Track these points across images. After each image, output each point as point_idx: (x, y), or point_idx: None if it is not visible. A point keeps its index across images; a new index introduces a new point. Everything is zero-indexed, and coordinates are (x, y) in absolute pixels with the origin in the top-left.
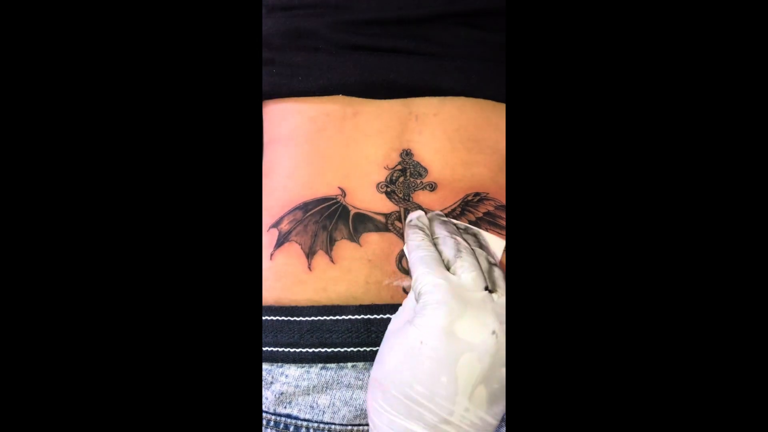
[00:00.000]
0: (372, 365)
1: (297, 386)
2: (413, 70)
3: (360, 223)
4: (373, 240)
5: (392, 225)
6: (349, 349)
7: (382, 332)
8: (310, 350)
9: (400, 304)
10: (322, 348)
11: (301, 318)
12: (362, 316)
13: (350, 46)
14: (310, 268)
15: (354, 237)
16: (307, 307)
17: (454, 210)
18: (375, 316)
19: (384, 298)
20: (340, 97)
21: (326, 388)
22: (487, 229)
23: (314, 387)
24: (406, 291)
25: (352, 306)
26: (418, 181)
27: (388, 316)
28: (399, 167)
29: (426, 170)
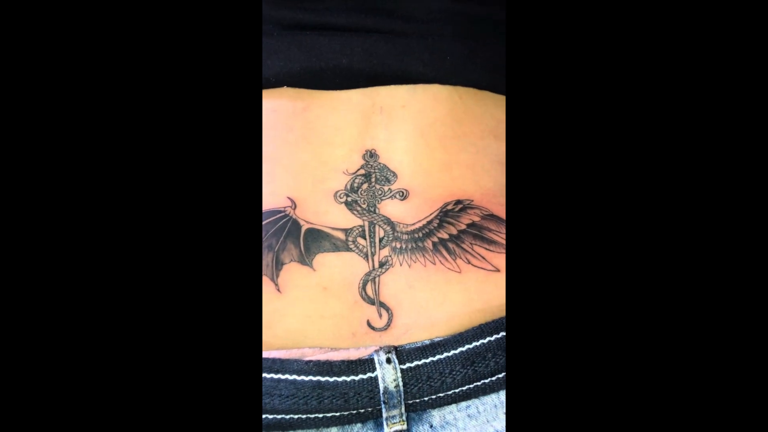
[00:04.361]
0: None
1: None
2: (373, 52)
3: (313, 242)
4: (329, 262)
5: (354, 243)
6: (295, 416)
7: (338, 398)
8: None
9: (364, 350)
10: (262, 414)
11: None
12: (312, 377)
13: (295, 26)
14: None
15: (306, 259)
16: None
17: (431, 222)
18: (328, 378)
19: (344, 337)
20: (287, 89)
21: None
22: (472, 244)
23: None
24: (372, 326)
25: (299, 362)
26: (386, 188)
27: (344, 378)
28: (362, 172)
29: (395, 175)
